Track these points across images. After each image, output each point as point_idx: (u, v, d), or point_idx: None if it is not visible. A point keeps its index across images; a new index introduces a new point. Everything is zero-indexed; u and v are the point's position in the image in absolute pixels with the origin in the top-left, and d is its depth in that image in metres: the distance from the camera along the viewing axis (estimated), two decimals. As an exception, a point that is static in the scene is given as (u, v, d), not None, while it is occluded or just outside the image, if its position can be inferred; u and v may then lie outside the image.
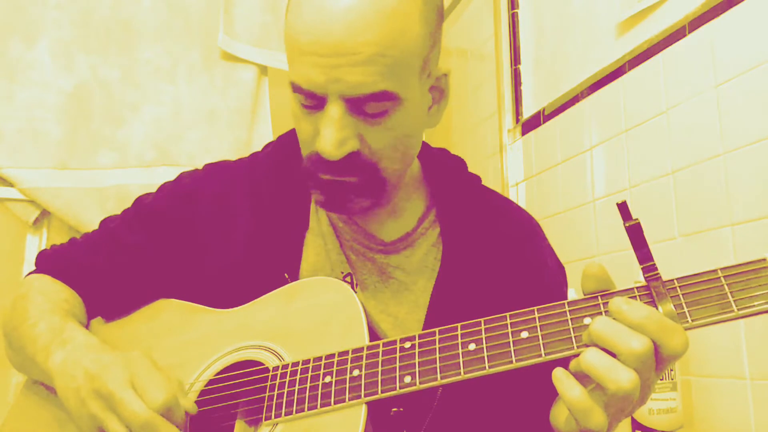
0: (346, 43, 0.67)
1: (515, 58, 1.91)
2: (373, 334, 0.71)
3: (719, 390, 1.14)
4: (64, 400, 0.73)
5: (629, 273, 1.24)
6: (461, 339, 0.65)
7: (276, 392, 0.70)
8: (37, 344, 0.79)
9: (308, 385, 0.68)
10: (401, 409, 0.71)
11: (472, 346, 0.64)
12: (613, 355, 0.57)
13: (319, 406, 0.67)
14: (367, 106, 0.71)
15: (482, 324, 0.65)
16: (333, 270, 0.84)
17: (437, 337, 0.66)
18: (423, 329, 0.79)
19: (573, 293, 1.37)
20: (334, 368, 0.68)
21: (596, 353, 0.57)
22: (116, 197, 1.82)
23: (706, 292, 0.59)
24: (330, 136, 0.70)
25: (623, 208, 0.61)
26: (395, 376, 0.65)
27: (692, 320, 0.58)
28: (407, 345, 0.67)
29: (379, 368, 0.66)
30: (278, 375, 0.71)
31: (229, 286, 0.82)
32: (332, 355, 0.69)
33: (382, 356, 0.67)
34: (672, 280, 0.60)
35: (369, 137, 0.73)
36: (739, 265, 0.59)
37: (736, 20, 1.15)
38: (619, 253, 1.41)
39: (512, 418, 0.80)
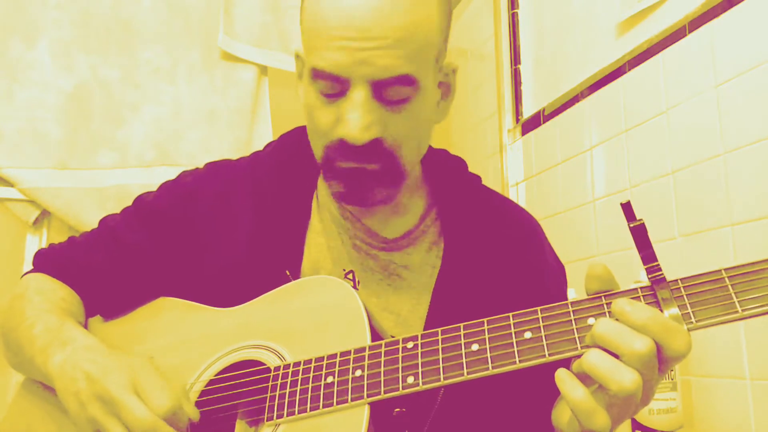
0: (375, 28, 0.69)
1: (515, 58, 1.91)
2: (375, 333, 0.70)
3: (719, 390, 1.14)
4: (64, 403, 0.73)
5: (629, 273, 1.24)
6: (464, 339, 0.64)
7: (278, 392, 0.70)
8: (35, 345, 0.78)
9: (310, 385, 0.68)
10: (404, 410, 0.71)
11: (475, 347, 0.63)
12: (616, 356, 0.57)
13: (321, 406, 0.66)
14: (391, 91, 0.72)
15: (485, 324, 0.64)
16: (335, 267, 0.84)
17: (440, 337, 0.66)
18: (425, 327, 0.80)
19: (573, 293, 1.37)
20: (337, 368, 0.68)
21: (598, 354, 0.57)
22: (116, 197, 1.82)
23: (711, 292, 0.58)
24: (356, 119, 0.71)
25: (627, 208, 0.60)
26: (398, 377, 0.65)
27: (696, 321, 0.58)
28: (410, 345, 0.66)
29: (382, 368, 0.66)
30: (280, 375, 0.71)
31: (230, 284, 0.82)
32: (334, 355, 0.69)
33: (385, 356, 0.67)
34: (676, 280, 0.60)
35: (391, 124, 0.73)
36: (744, 265, 0.58)
37: (736, 20, 1.15)
38: (620, 253, 1.41)
39: (514, 418, 0.80)
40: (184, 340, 0.81)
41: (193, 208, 0.87)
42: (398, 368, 0.65)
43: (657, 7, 1.35)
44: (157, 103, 1.90)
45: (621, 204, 0.61)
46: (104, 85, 1.87)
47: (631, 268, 1.28)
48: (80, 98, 1.84)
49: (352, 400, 0.65)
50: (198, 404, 0.74)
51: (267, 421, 0.69)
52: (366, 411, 0.64)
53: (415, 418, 0.75)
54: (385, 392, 0.65)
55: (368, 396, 0.65)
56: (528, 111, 1.87)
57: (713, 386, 1.15)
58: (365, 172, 0.75)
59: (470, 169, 0.93)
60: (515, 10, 1.93)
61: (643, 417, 1.14)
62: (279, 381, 0.70)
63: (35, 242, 1.83)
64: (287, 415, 0.68)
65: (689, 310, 0.59)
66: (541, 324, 0.62)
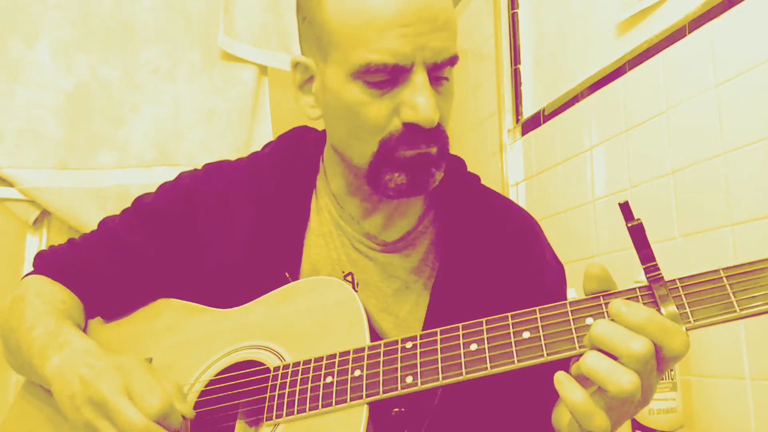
0: (428, 10, 0.70)
1: (515, 58, 1.91)
2: (374, 334, 0.71)
3: (719, 390, 1.14)
4: (60, 406, 0.73)
5: (629, 273, 1.24)
6: (463, 339, 0.64)
7: (277, 392, 0.70)
8: (33, 348, 0.78)
9: (309, 385, 0.68)
10: (402, 410, 0.71)
11: (473, 347, 0.63)
12: (614, 357, 0.57)
13: (320, 406, 0.66)
14: (442, 72, 0.73)
15: (484, 324, 0.64)
16: (334, 269, 0.84)
17: (439, 337, 0.66)
18: (424, 328, 0.80)
19: (573, 293, 1.37)
20: (336, 368, 0.68)
21: (596, 356, 0.57)
22: (116, 197, 1.82)
23: (709, 292, 0.58)
24: (427, 101, 0.71)
25: (625, 208, 0.61)
26: (397, 377, 0.65)
27: (694, 320, 0.58)
28: (409, 345, 0.66)
29: (381, 368, 0.66)
30: (279, 375, 0.71)
31: (229, 285, 0.82)
32: (333, 356, 0.69)
33: (384, 356, 0.67)
34: (674, 280, 0.60)
35: (440, 106, 0.74)
36: (742, 265, 0.58)
37: (736, 20, 1.15)
38: (619, 252, 1.41)
39: (513, 418, 0.80)
40: (184, 341, 0.81)
41: (192, 209, 0.87)
42: (397, 368, 0.65)
43: (657, 7, 1.35)
44: (157, 103, 1.90)
45: (619, 204, 0.61)
46: (104, 85, 1.87)
47: (630, 268, 1.28)
48: (80, 98, 1.84)
49: (351, 399, 0.65)
50: (198, 404, 0.74)
51: (266, 420, 0.69)
52: (365, 411, 0.64)
53: (413, 418, 0.75)
54: (383, 392, 0.65)
55: (367, 396, 0.65)
56: (528, 111, 1.87)
57: (713, 386, 1.15)
58: (429, 156, 0.75)
59: (470, 169, 0.93)
60: (515, 10, 1.93)
61: (643, 417, 1.14)
62: (278, 381, 0.70)
63: (35, 242, 1.83)
64: (286, 415, 0.68)
65: (687, 310, 0.59)
66: (540, 324, 0.62)
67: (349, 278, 0.84)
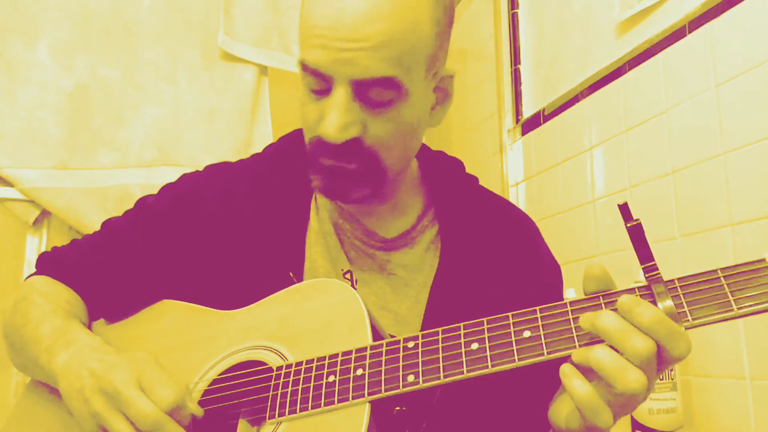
0: (358, 31, 0.70)
1: (515, 58, 1.91)
2: (376, 334, 0.71)
3: (719, 390, 1.14)
4: (67, 400, 0.73)
5: (629, 273, 1.25)
6: (464, 338, 0.65)
7: (279, 391, 0.70)
8: (40, 346, 0.79)
9: (312, 384, 0.68)
10: (404, 408, 0.71)
11: (475, 346, 0.64)
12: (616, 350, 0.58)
13: (322, 405, 0.67)
14: (373, 93, 0.72)
15: (485, 324, 0.65)
16: (334, 267, 0.84)
17: (440, 336, 0.66)
18: (423, 325, 0.81)
19: (572, 293, 1.38)
20: (338, 367, 0.68)
21: (607, 351, 0.58)
22: (117, 197, 1.82)
23: (706, 291, 0.59)
24: (334, 119, 0.72)
25: (624, 209, 0.61)
26: (399, 375, 0.65)
27: (692, 319, 0.59)
28: (411, 344, 0.67)
29: (383, 367, 0.66)
30: (282, 374, 0.71)
31: (232, 286, 0.82)
32: (336, 355, 0.69)
33: (386, 355, 0.67)
34: (672, 280, 0.61)
35: (371, 126, 0.74)
36: (739, 265, 0.59)
37: (736, 20, 1.15)
38: (619, 253, 1.41)
39: (511, 415, 0.80)
40: (188, 342, 0.82)
41: (194, 210, 0.88)
42: (399, 367, 0.66)
43: (657, 7, 1.36)
44: (158, 103, 1.90)
45: (618, 205, 0.62)
46: (104, 85, 1.87)
47: (630, 268, 1.28)
48: (80, 98, 1.84)
49: (353, 398, 0.66)
50: (201, 403, 0.75)
51: (269, 419, 0.69)
52: (367, 409, 0.65)
53: (415, 417, 0.75)
54: (385, 390, 0.65)
55: (369, 394, 0.65)
56: (528, 111, 1.87)
57: (713, 386, 1.16)
58: (343, 170, 0.76)
59: (470, 170, 0.94)
60: (515, 10, 1.93)
61: (643, 417, 1.14)
62: (281, 380, 0.71)
63: (35, 242, 1.83)
64: (289, 414, 0.68)
65: (685, 309, 0.59)
66: (540, 323, 0.63)
67: (348, 276, 0.84)
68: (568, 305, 0.63)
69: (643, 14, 1.40)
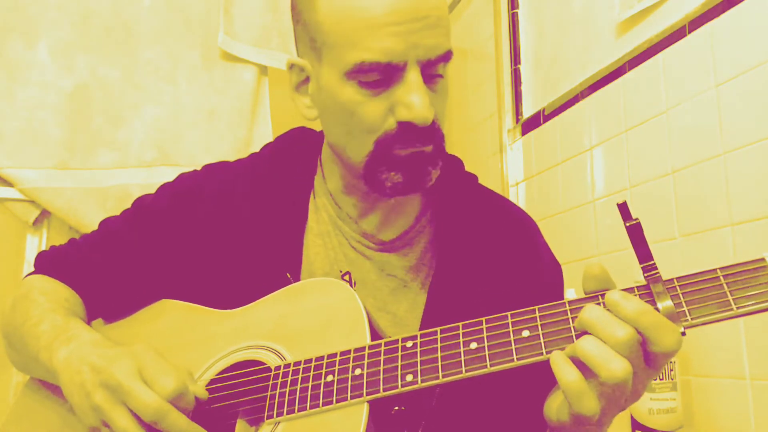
0: (419, 8, 0.70)
1: (515, 58, 1.91)
2: (375, 334, 0.71)
3: (719, 390, 1.14)
4: (68, 395, 0.73)
5: (629, 273, 1.24)
6: (463, 338, 0.65)
7: (278, 391, 0.70)
8: (40, 342, 0.79)
9: (310, 384, 0.68)
10: (403, 408, 0.71)
11: (473, 345, 0.64)
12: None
13: (320, 404, 0.67)
14: (433, 70, 0.73)
15: (484, 323, 0.65)
16: (332, 269, 0.84)
17: (439, 336, 0.66)
18: (421, 326, 0.80)
19: (573, 293, 1.37)
20: (336, 367, 0.68)
21: (592, 340, 0.58)
22: (116, 197, 1.82)
23: (706, 291, 0.59)
24: (421, 99, 0.71)
25: (623, 208, 0.62)
26: (397, 375, 0.65)
27: (692, 318, 0.59)
28: (409, 344, 0.67)
29: (381, 367, 0.66)
30: (280, 374, 0.71)
31: (230, 286, 0.82)
32: (334, 354, 0.69)
33: (384, 355, 0.67)
34: (672, 279, 0.61)
35: (435, 104, 0.74)
36: (738, 264, 0.59)
37: (736, 20, 1.15)
38: (619, 253, 1.41)
39: (510, 415, 0.80)
40: (186, 342, 0.82)
41: (192, 210, 0.88)
42: (397, 366, 0.66)
43: (657, 7, 1.35)
44: (157, 103, 1.90)
45: (617, 204, 0.62)
46: (104, 85, 1.87)
47: (630, 268, 1.27)
48: (80, 98, 1.84)
49: (351, 398, 0.66)
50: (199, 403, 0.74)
51: (267, 419, 0.69)
52: (365, 409, 0.64)
53: (414, 417, 0.75)
54: (384, 390, 0.65)
55: (368, 394, 0.65)
56: (528, 111, 1.87)
57: (713, 386, 1.15)
58: (424, 155, 0.75)
59: (470, 169, 0.93)
60: (515, 10, 1.93)
61: (643, 417, 1.14)
62: (279, 380, 0.71)
63: (35, 242, 1.83)
64: (287, 413, 0.68)
65: (685, 308, 0.59)
66: (539, 323, 0.63)
67: (347, 277, 0.84)
68: (567, 305, 0.63)
69: (643, 14, 1.39)
